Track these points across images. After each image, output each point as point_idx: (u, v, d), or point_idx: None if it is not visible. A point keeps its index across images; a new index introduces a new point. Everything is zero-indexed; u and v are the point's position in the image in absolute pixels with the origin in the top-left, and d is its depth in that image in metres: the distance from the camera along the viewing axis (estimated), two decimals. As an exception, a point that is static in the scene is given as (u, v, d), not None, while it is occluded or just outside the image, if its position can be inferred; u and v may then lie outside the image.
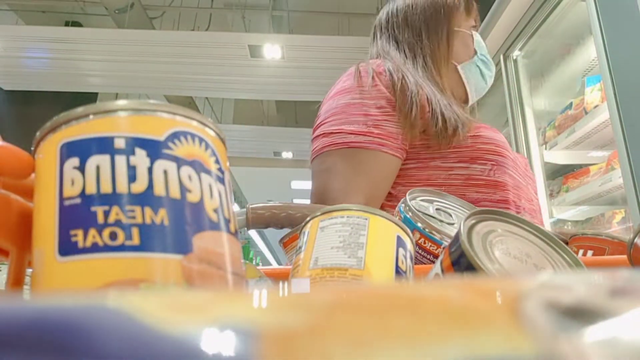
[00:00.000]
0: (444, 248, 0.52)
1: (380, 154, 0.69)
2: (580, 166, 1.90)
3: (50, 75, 4.46)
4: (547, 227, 1.85)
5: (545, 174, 1.96)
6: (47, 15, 4.73)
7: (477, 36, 0.85)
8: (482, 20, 2.22)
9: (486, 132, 0.76)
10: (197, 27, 4.64)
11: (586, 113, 1.67)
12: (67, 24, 4.85)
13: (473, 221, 0.30)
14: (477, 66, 0.84)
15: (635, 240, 0.38)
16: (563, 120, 1.84)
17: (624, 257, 0.40)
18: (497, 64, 2.28)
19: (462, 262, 0.27)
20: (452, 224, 0.57)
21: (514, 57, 2.18)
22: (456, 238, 0.28)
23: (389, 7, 0.88)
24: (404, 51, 0.81)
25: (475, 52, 0.84)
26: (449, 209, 0.61)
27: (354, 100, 0.72)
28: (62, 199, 0.18)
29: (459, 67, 0.83)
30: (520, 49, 2.14)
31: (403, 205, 0.57)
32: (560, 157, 1.93)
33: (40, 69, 4.40)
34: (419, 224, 0.54)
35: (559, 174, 2.01)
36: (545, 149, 1.96)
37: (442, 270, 0.29)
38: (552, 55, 2.07)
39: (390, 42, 0.84)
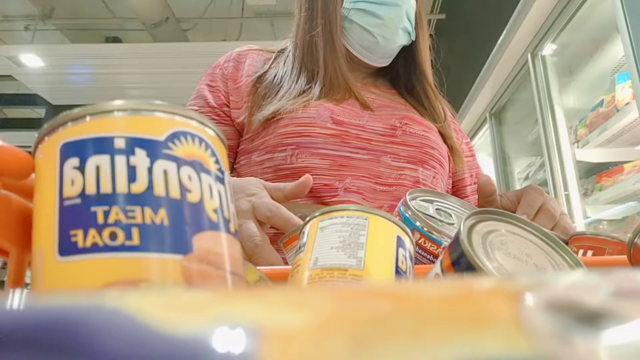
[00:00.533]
0: (444, 248, 0.52)
1: None
2: (613, 164, 1.85)
3: (93, 90, 4.80)
4: (582, 227, 1.83)
5: (578, 173, 1.94)
6: (88, 32, 4.98)
7: None
8: (508, 20, 2.22)
9: (298, 112, 0.66)
10: (227, 37, 4.79)
11: (617, 110, 1.65)
12: (107, 40, 5.12)
13: (473, 221, 0.30)
14: (351, 19, 0.71)
15: (635, 240, 0.38)
16: (594, 118, 1.81)
17: (624, 257, 0.40)
18: (525, 63, 2.27)
19: (462, 262, 0.27)
20: (452, 224, 0.57)
21: (542, 55, 2.16)
22: (456, 238, 0.28)
23: None
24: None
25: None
26: (449, 209, 0.61)
27: None
28: (62, 199, 0.18)
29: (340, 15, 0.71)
30: (548, 47, 2.12)
31: (403, 205, 0.57)
32: (592, 155, 1.90)
33: (83, 84, 4.75)
34: (419, 224, 0.54)
35: (593, 173, 1.98)
36: (577, 147, 1.94)
37: (442, 270, 0.29)
38: (581, 53, 2.04)
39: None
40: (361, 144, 0.68)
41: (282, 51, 0.80)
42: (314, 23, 0.72)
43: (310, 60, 0.72)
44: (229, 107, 0.73)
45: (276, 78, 0.73)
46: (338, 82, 0.70)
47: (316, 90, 0.70)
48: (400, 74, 0.80)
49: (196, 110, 0.72)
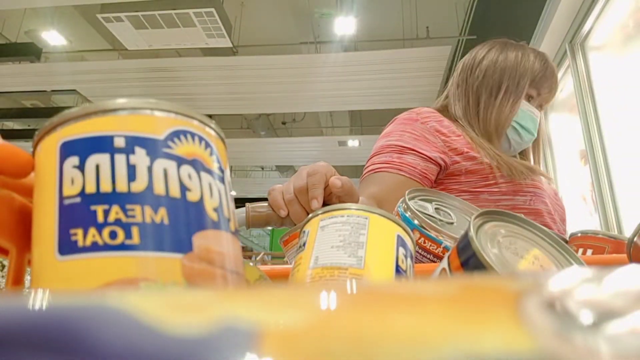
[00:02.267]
0: (444, 247, 0.52)
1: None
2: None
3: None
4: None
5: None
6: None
7: (524, 105, 0.94)
8: (540, 13, 2.17)
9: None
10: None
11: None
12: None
13: (481, 221, 0.30)
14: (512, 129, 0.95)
15: (635, 239, 0.38)
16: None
17: (624, 255, 0.40)
18: (564, 55, 2.20)
19: (471, 262, 0.27)
20: (452, 223, 0.57)
21: (581, 45, 2.09)
22: (465, 237, 0.28)
23: (472, 54, 0.99)
24: (469, 103, 0.96)
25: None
26: (448, 208, 0.61)
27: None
28: (61, 198, 0.18)
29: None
30: (587, 36, 2.03)
31: (402, 204, 0.57)
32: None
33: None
34: (418, 223, 0.54)
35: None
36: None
37: (450, 270, 0.29)
38: (624, 41, 1.91)
39: (461, 90, 0.98)
40: (551, 200, 0.95)
41: None
42: None
43: None
44: None
45: None
46: None
47: None
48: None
49: None
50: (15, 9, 3.79)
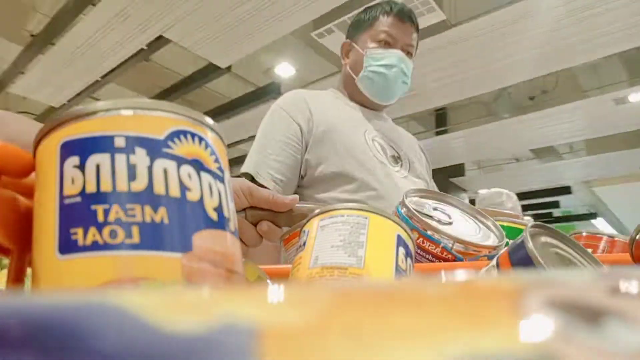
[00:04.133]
0: (442, 247, 0.52)
1: None
2: None
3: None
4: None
5: None
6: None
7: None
8: None
9: None
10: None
11: None
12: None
13: (535, 231, 0.32)
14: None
15: (637, 237, 0.38)
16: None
17: (626, 254, 0.40)
18: None
19: (523, 261, 0.29)
20: (450, 223, 0.57)
21: None
22: (521, 246, 0.30)
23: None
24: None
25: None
26: (447, 208, 0.61)
27: None
28: (62, 197, 0.18)
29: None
30: None
31: (401, 204, 0.57)
32: None
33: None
34: (417, 224, 0.54)
35: None
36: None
37: (499, 269, 0.31)
38: None
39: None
40: None
41: None
42: None
43: None
44: None
45: None
46: None
47: None
48: None
49: None
50: (250, 53, 3.46)
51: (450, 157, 5.15)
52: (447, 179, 5.58)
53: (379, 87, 0.99)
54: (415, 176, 0.98)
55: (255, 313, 0.09)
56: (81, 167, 0.18)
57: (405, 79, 1.00)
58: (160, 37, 3.01)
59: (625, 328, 0.08)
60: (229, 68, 3.58)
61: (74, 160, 0.18)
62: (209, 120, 0.21)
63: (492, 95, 4.51)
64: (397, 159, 0.98)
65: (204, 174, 0.20)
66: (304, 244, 0.32)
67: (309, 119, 0.94)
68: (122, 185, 0.18)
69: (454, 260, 0.52)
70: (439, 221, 0.56)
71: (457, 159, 5.34)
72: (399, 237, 0.31)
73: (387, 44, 0.98)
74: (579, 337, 0.08)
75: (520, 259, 0.29)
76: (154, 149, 0.19)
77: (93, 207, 0.18)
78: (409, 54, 1.00)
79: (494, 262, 0.32)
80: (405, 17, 0.99)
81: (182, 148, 0.19)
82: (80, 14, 2.87)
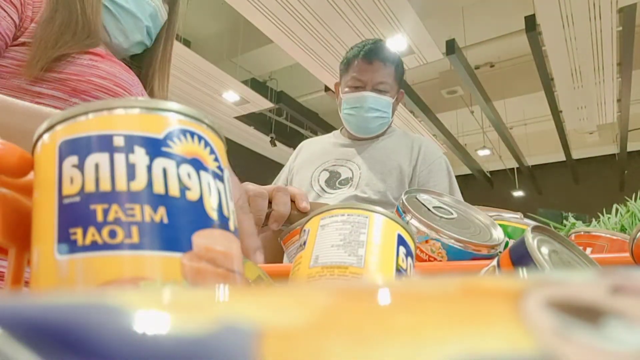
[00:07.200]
0: (441, 246, 0.52)
1: None
2: None
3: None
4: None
5: None
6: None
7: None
8: None
9: None
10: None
11: None
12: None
13: (534, 233, 0.32)
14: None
15: (638, 236, 0.38)
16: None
17: (627, 254, 0.40)
18: None
19: (524, 261, 0.30)
20: (450, 222, 0.57)
21: None
22: (522, 246, 0.30)
23: None
24: None
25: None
26: (446, 207, 0.61)
27: None
28: (61, 197, 0.18)
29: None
30: None
31: (401, 204, 0.57)
32: None
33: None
34: (415, 222, 0.54)
35: None
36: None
37: (499, 269, 0.32)
38: None
39: None
40: None
41: None
42: None
43: None
44: None
45: None
46: None
47: None
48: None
49: None
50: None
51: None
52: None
53: (355, 125, 1.16)
54: (361, 192, 1.09)
55: (255, 313, 0.09)
56: (80, 166, 0.18)
57: (380, 114, 1.14)
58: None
59: (625, 328, 0.08)
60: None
61: (73, 159, 0.18)
62: (208, 119, 0.21)
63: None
64: (348, 179, 1.12)
65: (203, 173, 0.20)
66: (305, 243, 0.32)
67: (291, 169, 1.22)
68: (122, 184, 0.18)
69: (454, 260, 0.52)
70: (440, 218, 0.56)
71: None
72: (399, 236, 0.31)
73: (357, 88, 1.13)
74: (578, 337, 0.08)
75: (521, 259, 0.29)
76: (153, 148, 0.19)
77: (92, 206, 0.17)
78: (380, 91, 1.13)
79: (494, 262, 0.33)
80: (373, 57, 1.11)
81: (182, 147, 0.19)
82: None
